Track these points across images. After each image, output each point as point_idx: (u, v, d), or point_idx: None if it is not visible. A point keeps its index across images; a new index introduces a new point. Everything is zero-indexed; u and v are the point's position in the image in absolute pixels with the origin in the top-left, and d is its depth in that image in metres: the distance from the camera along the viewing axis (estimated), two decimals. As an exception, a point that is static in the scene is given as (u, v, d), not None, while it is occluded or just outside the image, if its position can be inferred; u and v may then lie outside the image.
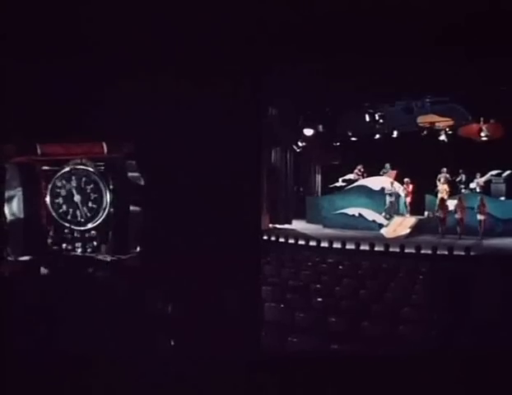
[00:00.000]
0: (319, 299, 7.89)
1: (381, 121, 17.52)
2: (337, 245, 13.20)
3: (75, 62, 4.31)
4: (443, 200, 16.12)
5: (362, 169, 19.65)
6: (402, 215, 17.83)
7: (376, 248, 12.60)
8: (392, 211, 17.67)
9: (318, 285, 9.17)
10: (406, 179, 18.04)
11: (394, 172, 18.88)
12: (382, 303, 7.95)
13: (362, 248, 12.72)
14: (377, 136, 19.18)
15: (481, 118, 17.43)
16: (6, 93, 4.07)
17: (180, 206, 4.03)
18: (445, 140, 18.22)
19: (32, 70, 4.19)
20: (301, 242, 13.88)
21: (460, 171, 17.73)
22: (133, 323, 3.28)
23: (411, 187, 17.96)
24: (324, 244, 13.41)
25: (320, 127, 18.78)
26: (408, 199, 17.91)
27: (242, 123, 4.57)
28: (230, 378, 3.66)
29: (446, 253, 11.89)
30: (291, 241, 14.09)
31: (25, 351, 3.17)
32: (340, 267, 10.92)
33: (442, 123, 18.30)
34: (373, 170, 19.42)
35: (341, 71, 13.90)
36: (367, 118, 17.54)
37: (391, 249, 12.42)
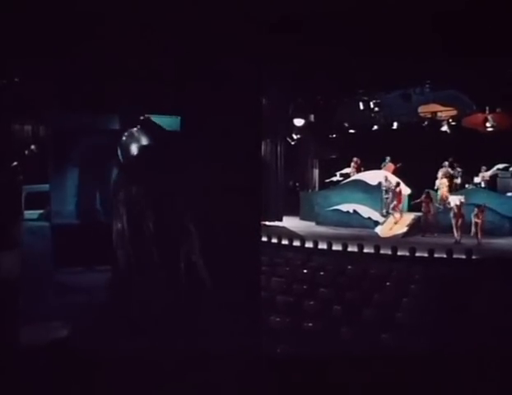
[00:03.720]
0: (279, 319, 6.21)
1: (376, 109, 15.73)
2: (323, 246, 11.46)
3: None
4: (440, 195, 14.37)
5: (359, 162, 17.82)
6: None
7: (366, 250, 10.87)
8: (389, 208, 15.84)
9: (290, 299, 7.51)
10: (395, 181, 16.16)
11: (392, 166, 17.11)
12: (358, 324, 6.25)
13: (350, 249, 10.98)
14: (375, 127, 17.48)
15: (487, 107, 15.70)
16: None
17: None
18: (448, 131, 16.51)
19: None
20: (285, 241, 12.15)
21: (455, 164, 15.97)
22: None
23: (398, 189, 15.93)
24: (309, 245, 11.68)
25: (312, 117, 17.04)
26: (395, 202, 15.65)
27: (242, 120, 4.66)
28: (230, 378, 3.56)
29: (444, 256, 10.15)
30: (274, 240, 12.34)
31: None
32: (321, 272, 9.23)
33: (444, 112, 16.59)
34: (372, 164, 17.69)
35: (333, 57, 12.49)
36: (361, 106, 15.75)
37: (382, 251, 10.69)
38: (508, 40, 10.99)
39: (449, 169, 15.99)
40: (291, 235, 13.06)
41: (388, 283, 8.36)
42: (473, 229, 12.98)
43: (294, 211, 18.40)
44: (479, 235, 12.86)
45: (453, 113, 16.54)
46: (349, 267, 9.54)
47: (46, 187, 7.30)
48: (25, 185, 6.86)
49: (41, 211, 6.26)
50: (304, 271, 9.41)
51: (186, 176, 4.72)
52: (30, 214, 6.15)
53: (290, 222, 17.15)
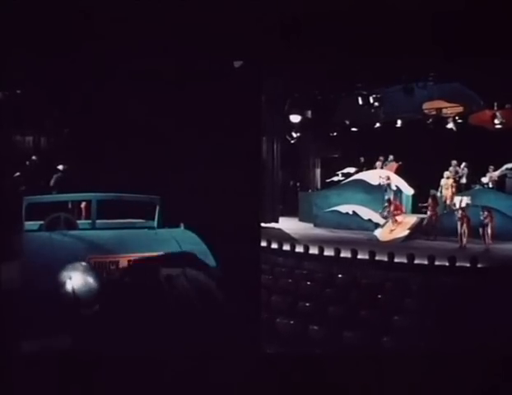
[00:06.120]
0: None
1: (376, 104, 14.51)
2: (315, 250, 10.29)
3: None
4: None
5: (383, 160, 16.38)
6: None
7: (361, 256, 9.69)
8: (389, 213, 14.56)
9: (265, 315, 6.35)
10: (397, 181, 14.96)
11: (394, 165, 15.90)
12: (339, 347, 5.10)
13: (344, 254, 9.81)
14: (377, 124, 16.28)
15: (495, 104, 14.56)
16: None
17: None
18: (454, 128, 15.30)
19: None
20: (274, 245, 10.99)
21: (462, 165, 14.74)
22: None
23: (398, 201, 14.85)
24: (300, 249, 10.52)
25: (309, 113, 15.88)
26: (391, 208, 14.39)
27: (243, 120, 4.99)
28: (230, 378, 2.91)
29: (446, 263, 8.93)
30: (263, 244, 11.16)
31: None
32: (308, 282, 8.09)
33: (450, 109, 15.38)
34: (374, 163, 16.54)
35: (331, 52, 11.49)
36: (360, 101, 14.54)
37: (379, 257, 9.50)
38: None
39: (458, 168, 14.79)
40: (284, 238, 11.94)
41: (380, 295, 7.18)
42: (481, 231, 11.83)
43: (294, 213, 17.34)
44: (487, 239, 11.68)
45: (460, 109, 15.37)
46: (339, 275, 8.40)
47: (47, 197, 7.49)
48: (26, 196, 6.61)
49: (42, 222, 6.02)
50: (290, 280, 8.28)
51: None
52: (31, 225, 5.89)
53: (287, 224, 16.01)
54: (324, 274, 8.49)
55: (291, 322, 6.22)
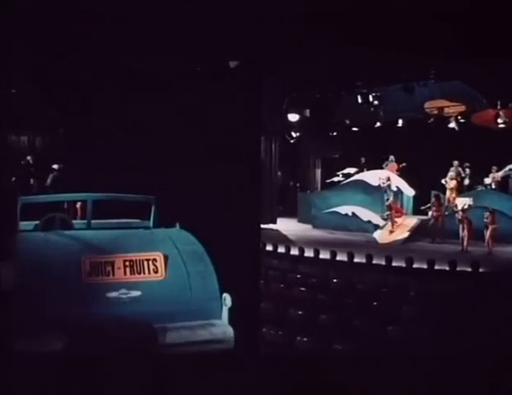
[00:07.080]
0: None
1: (376, 103, 14.11)
2: (310, 253, 9.90)
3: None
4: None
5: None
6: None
7: (358, 259, 9.29)
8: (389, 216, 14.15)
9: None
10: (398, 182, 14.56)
11: (395, 165, 15.50)
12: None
13: (341, 258, 9.41)
14: (378, 124, 15.88)
15: (498, 103, 14.12)
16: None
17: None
18: (456, 128, 14.88)
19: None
20: (269, 248, 10.59)
21: (465, 165, 14.36)
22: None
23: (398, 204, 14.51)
24: (296, 252, 10.13)
25: (307, 113, 15.50)
26: (393, 212, 13.92)
27: (242, 119, 4.93)
28: (230, 377, 3.51)
29: (447, 268, 8.52)
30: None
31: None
32: (302, 288, 7.69)
33: (452, 108, 14.96)
34: (375, 163, 16.14)
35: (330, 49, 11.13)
36: (359, 99, 14.14)
37: (376, 261, 9.09)
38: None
39: (460, 169, 14.40)
40: (280, 240, 11.56)
41: (375, 302, 6.78)
42: (486, 235, 11.42)
43: (293, 213, 17.00)
44: (490, 243, 11.26)
45: (462, 109, 14.96)
46: (334, 280, 8.01)
47: (42, 197, 7.51)
48: (21, 195, 6.59)
49: (37, 222, 6.01)
50: (282, 285, 7.89)
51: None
52: (26, 225, 5.86)
53: (286, 225, 15.64)
54: (319, 278, 8.09)
55: (280, 332, 5.82)
